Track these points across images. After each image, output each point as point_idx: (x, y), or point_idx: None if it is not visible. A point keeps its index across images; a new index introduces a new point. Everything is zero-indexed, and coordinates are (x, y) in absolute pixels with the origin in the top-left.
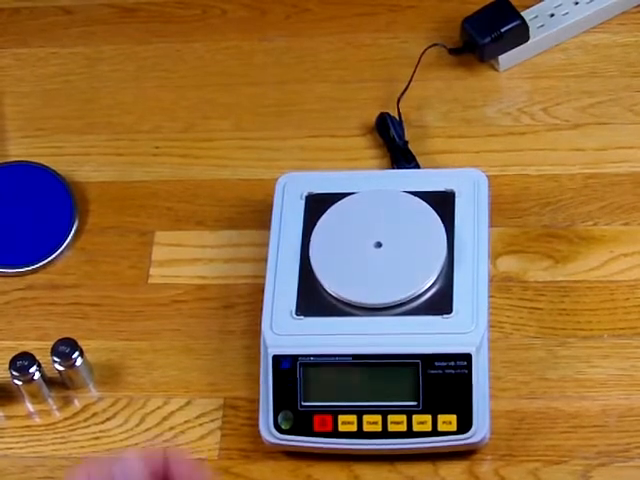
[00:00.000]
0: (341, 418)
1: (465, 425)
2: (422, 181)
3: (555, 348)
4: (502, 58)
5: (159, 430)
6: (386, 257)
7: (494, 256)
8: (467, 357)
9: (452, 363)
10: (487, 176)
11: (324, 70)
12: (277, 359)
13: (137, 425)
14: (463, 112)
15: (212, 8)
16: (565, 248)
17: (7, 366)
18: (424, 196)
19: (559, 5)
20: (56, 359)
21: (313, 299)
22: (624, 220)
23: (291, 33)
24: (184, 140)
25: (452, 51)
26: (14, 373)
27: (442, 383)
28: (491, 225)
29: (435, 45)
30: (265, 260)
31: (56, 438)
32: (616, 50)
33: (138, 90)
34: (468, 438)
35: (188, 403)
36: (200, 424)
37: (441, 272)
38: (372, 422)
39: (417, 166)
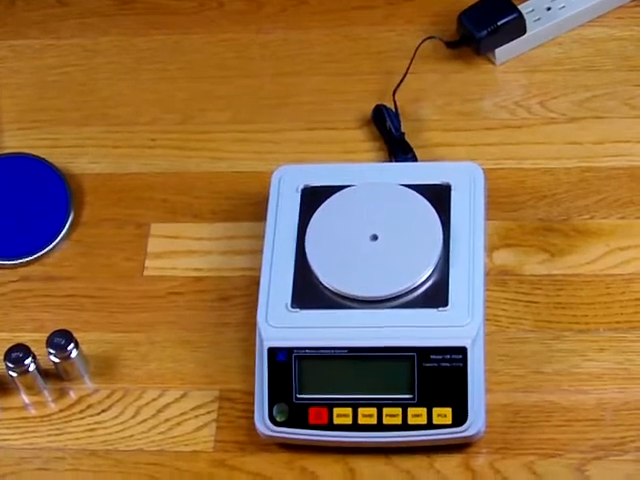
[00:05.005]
0: (336, 411)
1: (460, 418)
2: (418, 174)
3: (551, 342)
4: (499, 51)
5: (154, 422)
6: (382, 250)
7: (490, 249)
8: (462, 350)
9: (447, 356)
10: (483, 169)
11: (321, 63)
12: (272, 351)
13: (132, 417)
14: (459, 105)
15: (209, 0)
16: (561, 242)
17: (2, 358)
18: (420, 189)
19: None
20: (51, 351)
21: (309, 292)
22: (620, 214)
23: (288, 26)
24: (181, 132)
25: (449, 44)
26: (9, 365)
27: (437, 376)
28: (487, 218)
29: (432, 38)
30: (261, 253)
31: (51, 430)
32: (613, 44)
33: (135, 82)
34: (463, 431)
35: (184, 395)
36: (195, 416)
37: (437, 265)
38: (367, 415)
39: (414, 157)
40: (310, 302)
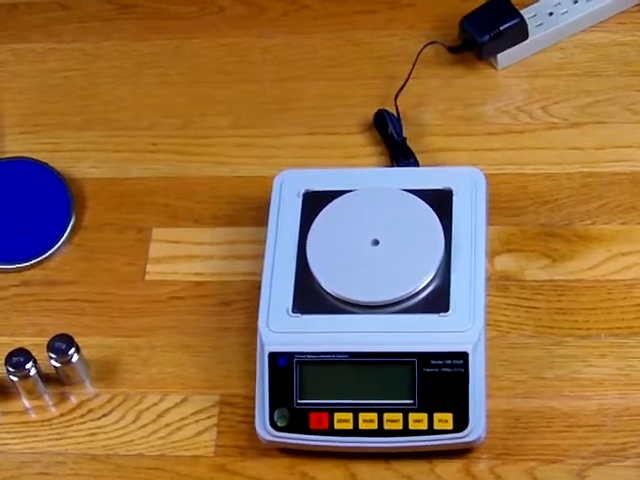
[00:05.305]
0: (337, 416)
1: (461, 424)
2: (420, 179)
3: (552, 347)
4: (501, 56)
5: (155, 427)
6: (383, 255)
7: (491, 255)
8: (464, 355)
9: (448, 361)
10: (485, 174)
11: (322, 67)
12: (273, 356)
13: (133, 422)
14: (461, 110)
15: (210, 5)
16: (563, 247)
17: (3, 362)
18: (422, 194)
19: (558, 4)
20: (52, 355)
21: (310, 296)
22: (622, 219)
23: (289, 30)
24: (182, 137)
25: (451, 49)
26: (10, 369)
27: (438, 381)
28: (489, 224)
29: (434, 43)
30: (262, 257)
31: (52, 434)
32: (614, 49)
33: (136, 87)
34: (464, 437)
35: (184, 400)
36: (196, 421)
37: (438, 270)
38: (368, 420)
39: (416, 162)
40: (311, 307)
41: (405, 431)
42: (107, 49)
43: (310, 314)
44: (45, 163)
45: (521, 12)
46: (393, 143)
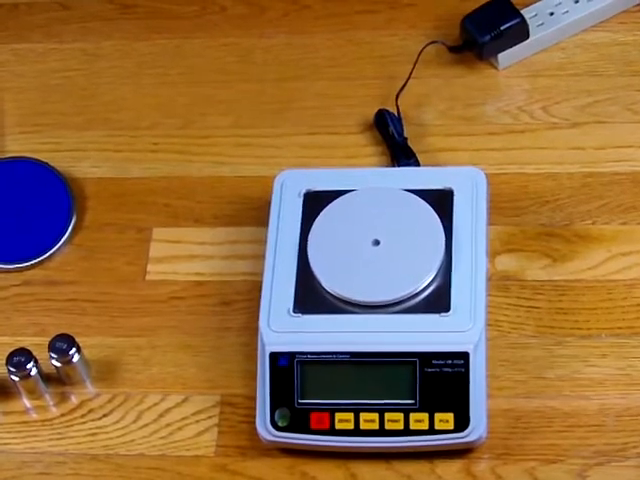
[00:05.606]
0: (338, 416)
1: (462, 424)
2: (421, 179)
3: (553, 347)
4: (501, 56)
5: (156, 427)
6: (384, 255)
7: (492, 255)
8: (464, 356)
9: (449, 361)
10: (486, 174)
11: (323, 67)
12: (274, 356)
13: (134, 422)
14: (462, 110)
15: (211, 4)
16: (563, 247)
17: (4, 362)
18: (423, 194)
19: (559, 3)
20: (53, 355)
21: (311, 296)
22: (622, 219)
23: (290, 30)
24: (182, 137)
25: (451, 49)
26: (11, 369)
27: (439, 381)
28: (489, 223)
29: (434, 43)
30: (263, 257)
31: (53, 434)
32: (615, 49)
33: (137, 86)
34: (465, 437)
35: (185, 400)
36: (197, 421)
37: (439, 270)
38: (369, 420)
39: (417, 162)
40: (312, 307)
41: (406, 431)
42: (108, 49)
43: (311, 314)
44: (46, 163)
45: (522, 12)
46: (394, 143)
